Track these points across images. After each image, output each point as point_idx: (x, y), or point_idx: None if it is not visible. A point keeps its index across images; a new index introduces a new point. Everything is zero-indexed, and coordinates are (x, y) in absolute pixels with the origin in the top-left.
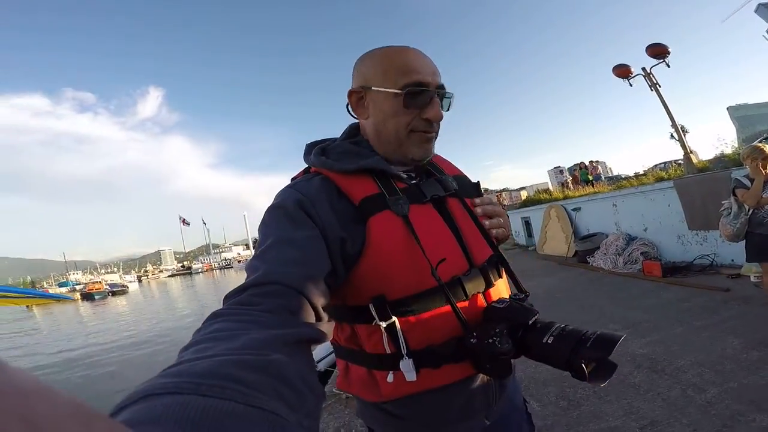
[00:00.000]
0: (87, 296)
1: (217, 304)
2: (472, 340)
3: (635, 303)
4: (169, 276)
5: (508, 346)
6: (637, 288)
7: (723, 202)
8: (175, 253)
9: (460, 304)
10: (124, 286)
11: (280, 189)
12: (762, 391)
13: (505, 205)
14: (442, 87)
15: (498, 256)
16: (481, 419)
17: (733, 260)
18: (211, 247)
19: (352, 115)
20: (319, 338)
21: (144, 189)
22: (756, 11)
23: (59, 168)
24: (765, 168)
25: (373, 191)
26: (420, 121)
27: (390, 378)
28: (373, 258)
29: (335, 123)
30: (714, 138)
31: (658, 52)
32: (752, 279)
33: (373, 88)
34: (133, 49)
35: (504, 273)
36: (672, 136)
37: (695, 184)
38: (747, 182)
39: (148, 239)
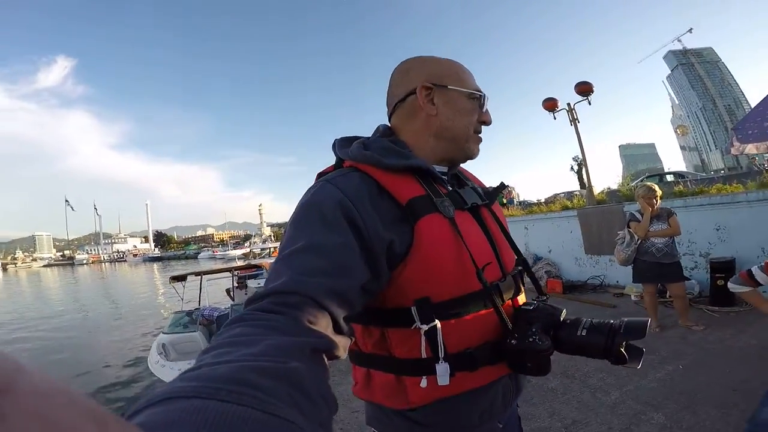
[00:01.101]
0: None
1: (102, 304)
2: (512, 341)
3: None
4: (44, 266)
5: (548, 343)
6: None
7: (619, 231)
8: (55, 239)
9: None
10: None
11: (318, 181)
12: (653, 392)
13: None
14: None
15: (523, 263)
16: (495, 422)
17: (617, 281)
18: (101, 237)
19: (390, 117)
20: (335, 351)
21: (27, 165)
22: (664, 57)
23: None
24: (652, 206)
25: (419, 192)
26: (478, 124)
27: (423, 383)
28: (421, 260)
29: (266, 113)
30: (604, 172)
31: (584, 89)
32: (632, 298)
33: (449, 86)
34: (50, 14)
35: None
36: (572, 168)
37: (594, 215)
38: (639, 216)
39: (22, 221)
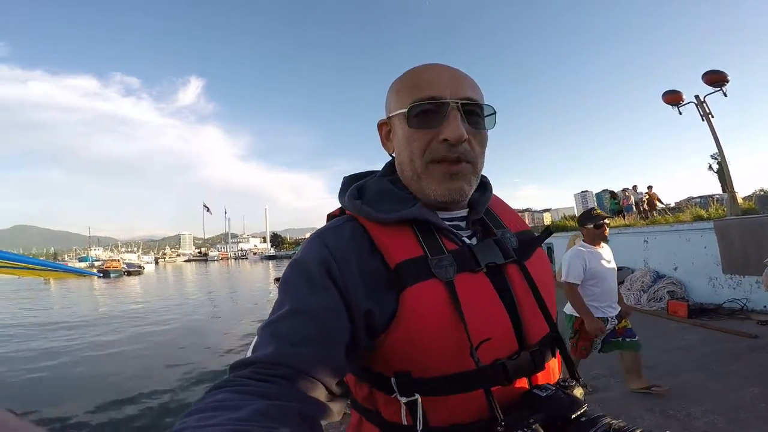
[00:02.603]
0: (104, 273)
1: (225, 296)
2: (498, 428)
3: (656, 343)
4: (185, 261)
5: None
6: (659, 327)
7: None
8: (194, 238)
9: (497, 389)
10: (140, 266)
11: (310, 236)
12: None
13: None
14: (468, 99)
15: (555, 335)
16: None
17: (765, 306)
18: (229, 237)
19: (390, 154)
20: (327, 416)
21: (173, 174)
22: None
23: (97, 146)
24: None
25: (413, 253)
26: (437, 146)
27: None
28: (405, 333)
29: (369, 129)
30: (755, 172)
31: (716, 79)
32: None
33: (391, 115)
34: (183, 37)
35: (558, 354)
36: (710, 168)
37: (736, 227)
38: None
39: (170, 222)
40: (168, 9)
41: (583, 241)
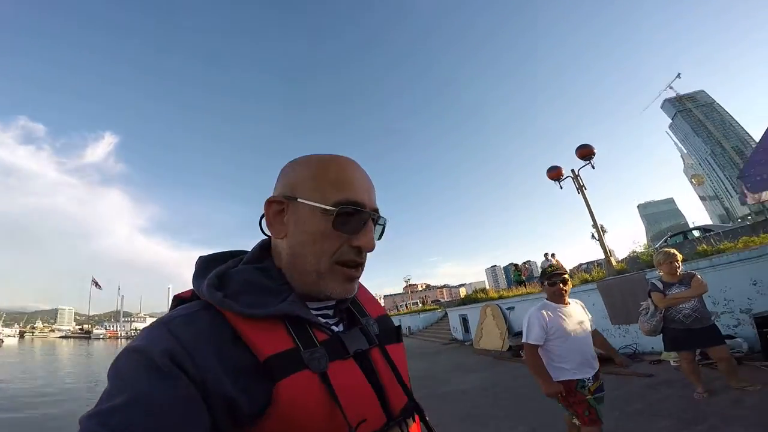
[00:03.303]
0: None
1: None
2: None
3: None
4: (60, 337)
5: None
6: None
7: (641, 303)
8: (77, 314)
9: None
10: None
11: (153, 322)
12: None
13: (440, 301)
14: (377, 211)
15: (413, 404)
16: None
17: (653, 347)
18: (121, 315)
19: (264, 232)
20: None
21: (61, 240)
22: (662, 107)
23: None
24: (675, 272)
25: (285, 346)
26: (348, 249)
27: None
28: (280, 424)
29: None
30: (627, 237)
31: (585, 153)
32: (672, 363)
33: (299, 199)
34: (106, 91)
35: (418, 418)
36: (593, 236)
37: (615, 285)
38: (659, 284)
39: (49, 294)
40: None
41: (546, 299)
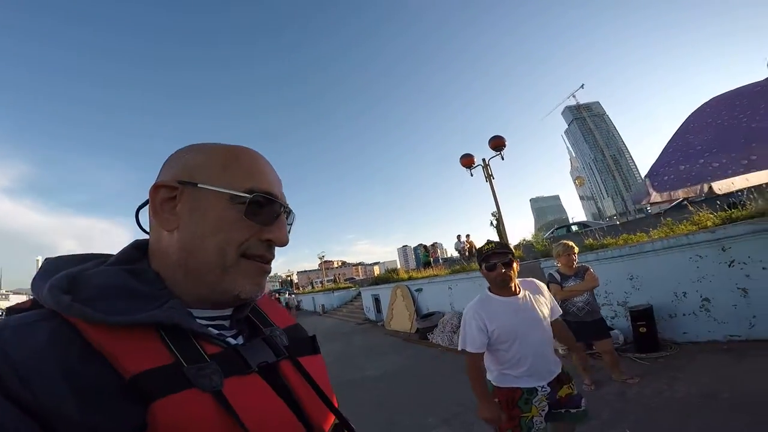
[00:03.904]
0: None
1: None
2: None
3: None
4: None
5: None
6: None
7: None
8: None
9: None
10: None
11: None
12: None
13: (355, 279)
14: (287, 207)
15: (343, 421)
16: None
17: None
18: None
19: (141, 228)
20: None
21: None
22: (562, 113)
23: None
24: (572, 264)
25: (160, 361)
26: (257, 243)
27: None
28: None
29: None
30: (518, 228)
31: (497, 144)
32: (560, 351)
33: (200, 185)
34: None
35: None
36: (491, 224)
37: None
38: (557, 276)
39: None
40: None
41: (487, 290)
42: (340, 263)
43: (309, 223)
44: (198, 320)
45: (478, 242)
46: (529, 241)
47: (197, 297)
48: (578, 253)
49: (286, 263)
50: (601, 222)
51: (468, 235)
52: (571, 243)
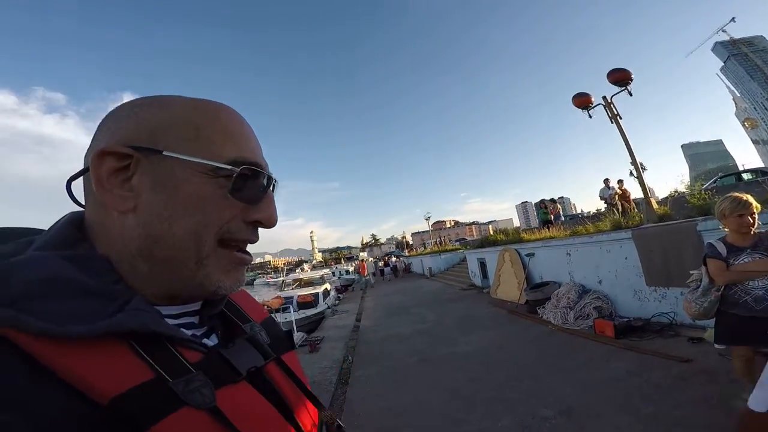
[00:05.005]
0: None
1: None
2: None
3: (579, 375)
4: None
5: None
6: (585, 352)
7: (692, 272)
8: None
9: None
10: None
11: None
12: None
13: (466, 240)
14: (273, 178)
15: (326, 416)
16: None
17: (694, 320)
18: None
19: (76, 201)
20: None
21: None
22: (712, 49)
23: (13, 168)
24: (749, 228)
25: (140, 377)
26: (241, 225)
27: None
28: None
29: None
30: (668, 175)
31: (621, 78)
32: (716, 345)
33: (165, 152)
34: (116, 52)
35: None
36: (631, 173)
37: (655, 236)
38: (721, 247)
39: None
40: (105, 15)
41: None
42: (452, 223)
43: (420, 185)
44: (166, 320)
45: (593, 205)
46: (682, 192)
47: (165, 293)
48: (760, 212)
49: (397, 227)
50: None
51: (621, 181)
52: (746, 196)
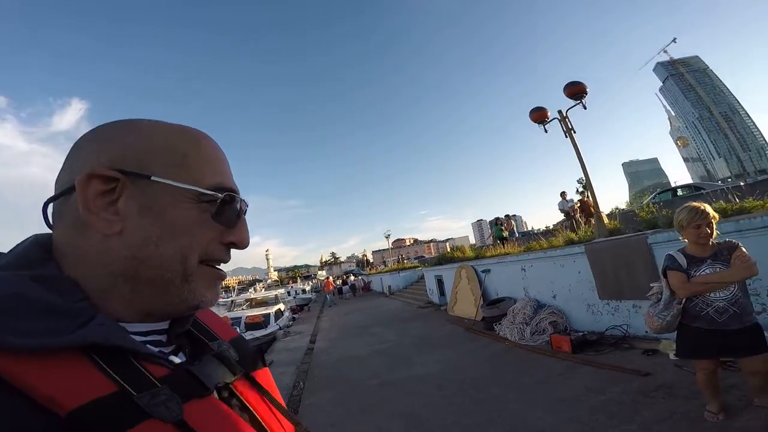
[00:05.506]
0: None
1: None
2: None
3: (538, 394)
4: None
5: None
6: (543, 369)
7: (652, 284)
8: None
9: None
10: None
11: None
12: None
13: (425, 257)
14: (245, 202)
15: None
16: None
17: (647, 332)
18: None
19: (48, 222)
20: None
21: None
22: (654, 70)
23: None
24: (707, 239)
25: (102, 389)
26: (218, 247)
27: None
28: None
29: None
30: (609, 193)
31: (576, 91)
32: (671, 357)
33: (154, 178)
34: (68, 54)
35: None
36: (577, 191)
37: (607, 250)
38: (681, 259)
39: None
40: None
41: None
42: (411, 241)
43: (381, 201)
44: (132, 336)
45: (547, 219)
46: (623, 209)
47: (141, 310)
48: (717, 222)
49: (359, 244)
50: (718, 183)
51: (584, 192)
52: (703, 206)
